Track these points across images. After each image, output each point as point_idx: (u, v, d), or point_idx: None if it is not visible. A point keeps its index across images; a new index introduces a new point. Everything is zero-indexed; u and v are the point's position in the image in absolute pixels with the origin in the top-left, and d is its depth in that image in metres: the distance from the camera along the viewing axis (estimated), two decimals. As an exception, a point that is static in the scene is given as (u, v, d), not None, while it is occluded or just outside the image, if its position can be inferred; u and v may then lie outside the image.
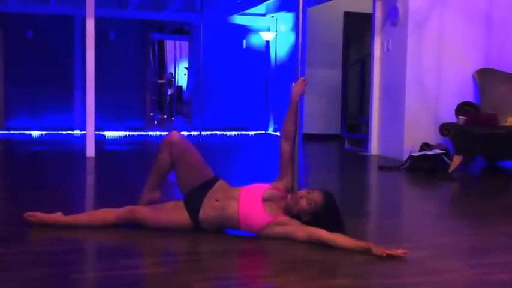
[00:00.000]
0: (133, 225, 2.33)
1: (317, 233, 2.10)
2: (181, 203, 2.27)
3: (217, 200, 2.22)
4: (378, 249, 2.00)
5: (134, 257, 2.00)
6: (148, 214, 2.24)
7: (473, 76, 5.18)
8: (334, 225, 2.16)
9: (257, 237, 2.20)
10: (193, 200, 2.26)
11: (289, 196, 2.23)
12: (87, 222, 2.28)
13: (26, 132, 7.22)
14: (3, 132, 7.17)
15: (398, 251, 1.99)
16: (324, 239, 2.07)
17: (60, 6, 7.25)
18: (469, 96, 5.08)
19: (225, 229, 2.27)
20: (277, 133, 7.59)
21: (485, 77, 5.09)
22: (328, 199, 2.19)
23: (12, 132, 7.18)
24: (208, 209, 2.22)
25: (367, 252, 2.00)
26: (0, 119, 7.42)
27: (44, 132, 7.22)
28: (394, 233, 2.53)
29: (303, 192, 2.21)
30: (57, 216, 2.30)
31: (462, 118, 4.49)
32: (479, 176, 4.54)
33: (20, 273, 1.79)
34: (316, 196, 2.17)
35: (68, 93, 7.43)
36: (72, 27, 7.37)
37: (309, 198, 2.16)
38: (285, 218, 2.18)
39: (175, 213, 2.24)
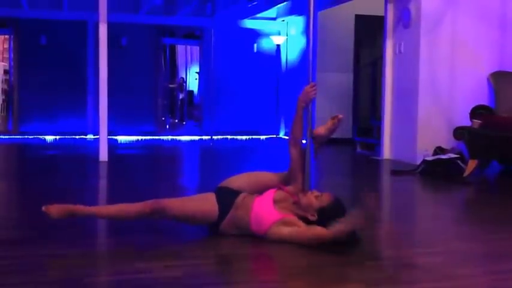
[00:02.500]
0: (147, 228, 2.34)
1: (316, 229, 2.11)
2: (212, 194, 2.31)
3: (241, 205, 2.28)
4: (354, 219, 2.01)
5: (147, 261, 2.00)
6: (175, 202, 2.26)
7: (487, 79, 5.11)
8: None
9: (267, 242, 2.19)
10: (226, 195, 2.30)
11: (300, 194, 2.25)
12: (108, 213, 2.29)
13: (40, 136, 7.32)
14: (18, 136, 7.27)
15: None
16: (318, 234, 2.09)
17: (73, 12, 7.35)
18: (484, 99, 5.01)
19: (237, 232, 2.27)
20: (288, 137, 7.57)
21: (499, 79, 5.02)
22: (337, 201, 2.21)
23: (26, 136, 7.28)
24: (233, 209, 2.27)
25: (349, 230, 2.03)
26: (14, 124, 7.53)
27: (57, 137, 7.31)
28: (408, 238, 2.50)
29: (314, 190, 2.26)
30: (81, 207, 2.25)
31: (476, 121, 4.42)
32: (494, 181, 4.46)
33: (34, 276, 1.80)
34: (326, 195, 2.21)
35: (81, 97, 7.52)
36: (85, 32, 7.46)
37: (318, 194, 2.20)
38: (293, 218, 2.20)
39: (204, 202, 2.28)
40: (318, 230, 2.11)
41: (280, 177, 2.40)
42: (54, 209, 2.21)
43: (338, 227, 2.04)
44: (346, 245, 2.14)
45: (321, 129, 2.42)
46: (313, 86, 2.46)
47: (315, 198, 2.18)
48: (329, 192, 2.25)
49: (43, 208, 2.24)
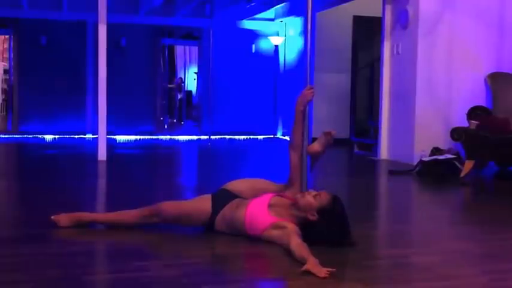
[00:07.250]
0: (146, 227, 2.36)
1: (290, 241, 2.02)
2: (209, 195, 2.38)
3: (236, 206, 2.31)
4: (315, 267, 1.81)
5: (146, 259, 2.02)
6: (173, 203, 2.38)
7: (485, 80, 5.14)
8: (339, 231, 2.16)
9: (265, 242, 2.20)
10: (222, 196, 2.36)
11: (297, 195, 2.25)
12: (109, 218, 2.40)
13: (40, 136, 7.32)
14: (18, 136, 7.27)
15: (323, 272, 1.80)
16: (290, 248, 2.01)
17: (73, 12, 7.36)
18: (481, 100, 5.03)
19: (233, 233, 2.29)
20: (286, 137, 7.60)
21: (497, 80, 5.04)
22: (336, 199, 2.19)
23: (26, 136, 7.28)
24: (228, 208, 2.31)
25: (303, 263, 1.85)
26: (14, 124, 7.54)
27: (56, 136, 7.31)
28: (405, 238, 2.52)
29: (310, 190, 2.26)
30: (85, 214, 2.41)
31: (474, 122, 4.45)
32: (491, 181, 4.49)
33: (33, 274, 1.81)
34: (324, 194, 2.19)
35: (81, 97, 7.53)
36: (84, 33, 7.47)
37: (316, 193, 2.19)
38: (287, 222, 2.18)
39: (199, 201, 2.37)
40: (293, 245, 1.99)
41: (279, 188, 2.41)
42: (63, 218, 2.35)
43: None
44: (342, 245, 2.16)
45: (315, 146, 2.43)
46: (310, 89, 2.47)
47: (313, 198, 2.17)
48: (325, 190, 2.25)
49: (52, 217, 2.35)
